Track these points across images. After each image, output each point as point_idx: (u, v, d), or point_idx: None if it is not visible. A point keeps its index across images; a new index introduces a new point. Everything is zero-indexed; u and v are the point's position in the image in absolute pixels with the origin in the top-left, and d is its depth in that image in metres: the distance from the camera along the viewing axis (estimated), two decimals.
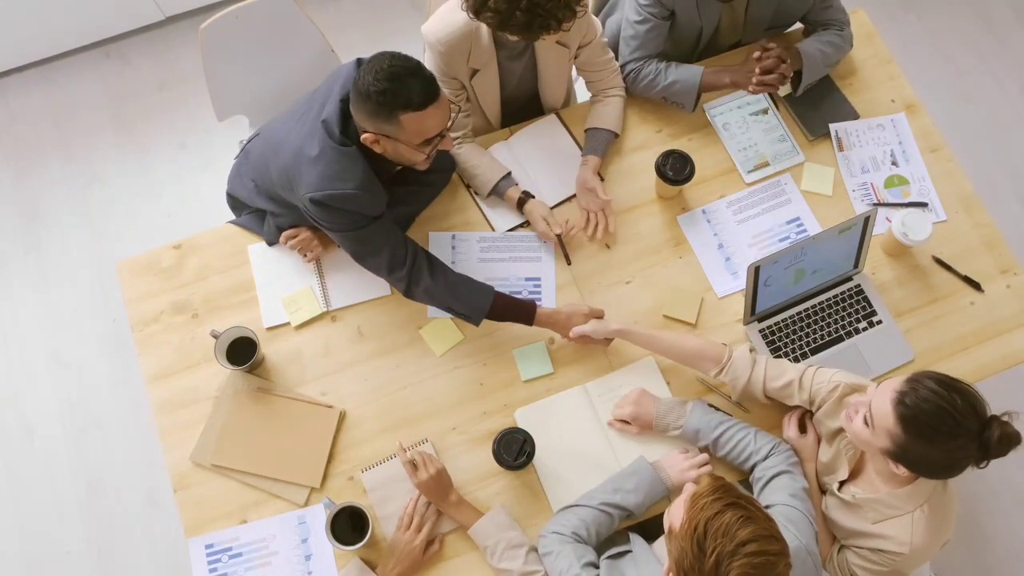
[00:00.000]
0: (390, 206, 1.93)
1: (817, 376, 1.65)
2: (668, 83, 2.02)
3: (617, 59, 2.09)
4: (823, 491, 1.70)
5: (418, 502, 1.73)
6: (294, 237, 1.92)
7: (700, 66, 2.03)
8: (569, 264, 1.97)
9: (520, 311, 1.82)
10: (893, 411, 1.38)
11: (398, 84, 1.50)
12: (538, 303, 1.85)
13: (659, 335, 1.78)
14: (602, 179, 2.04)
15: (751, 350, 1.73)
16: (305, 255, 1.94)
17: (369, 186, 1.66)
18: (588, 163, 2.00)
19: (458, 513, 1.70)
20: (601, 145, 2.01)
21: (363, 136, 1.60)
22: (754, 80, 1.93)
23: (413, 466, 1.70)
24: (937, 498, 1.53)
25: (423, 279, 1.76)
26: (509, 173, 2.00)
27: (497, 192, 1.99)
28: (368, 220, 1.71)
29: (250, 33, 2.11)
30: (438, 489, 1.70)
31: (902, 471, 1.44)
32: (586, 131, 2.04)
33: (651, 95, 2.07)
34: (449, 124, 1.62)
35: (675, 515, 1.29)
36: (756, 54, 1.95)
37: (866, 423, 1.44)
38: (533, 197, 1.97)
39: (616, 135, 2.04)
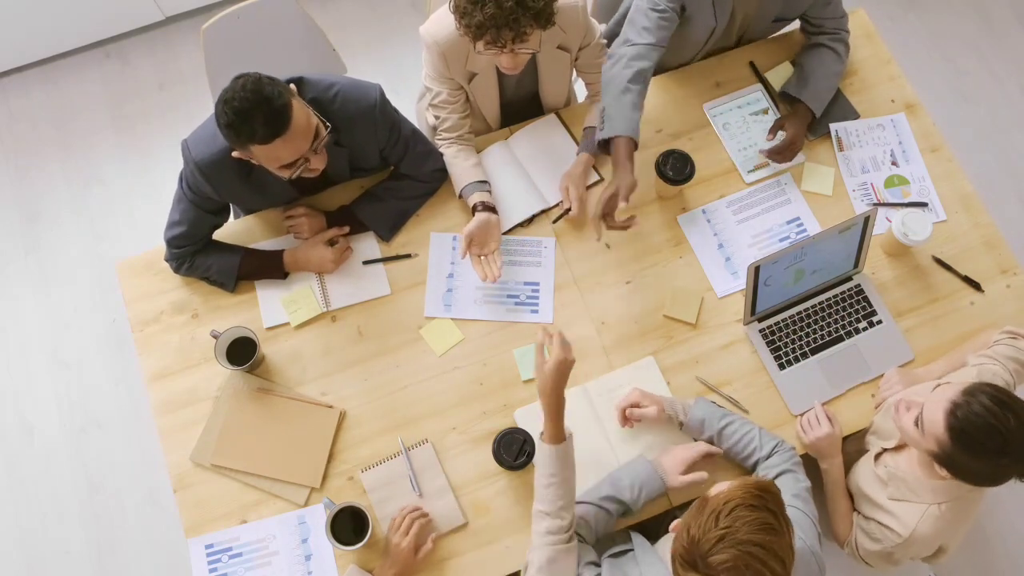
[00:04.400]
0: (381, 199, 1.94)
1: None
2: (610, 103, 1.83)
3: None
4: (864, 452, 1.74)
5: (408, 508, 1.72)
6: (292, 216, 1.95)
7: (631, 132, 1.80)
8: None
9: (271, 265, 1.91)
10: (944, 420, 1.40)
11: (241, 119, 1.51)
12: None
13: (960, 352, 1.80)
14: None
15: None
16: (296, 237, 1.97)
17: (208, 170, 1.72)
18: (579, 160, 1.99)
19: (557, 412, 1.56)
20: (595, 143, 1.99)
21: (232, 152, 1.64)
22: (766, 152, 2.01)
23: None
24: (960, 505, 1.55)
25: (181, 269, 1.91)
26: (483, 181, 1.95)
27: (463, 194, 1.95)
28: (188, 191, 1.79)
29: (251, 33, 2.12)
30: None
31: (943, 473, 1.46)
32: (584, 130, 2.04)
33: (605, 79, 1.88)
34: (314, 147, 1.62)
35: (721, 486, 1.29)
36: (768, 140, 2.02)
37: (916, 424, 1.46)
38: (492, 212, 1.90)
39: None
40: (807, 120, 2.03)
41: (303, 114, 1.58)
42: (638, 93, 1.83)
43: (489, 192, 1.95)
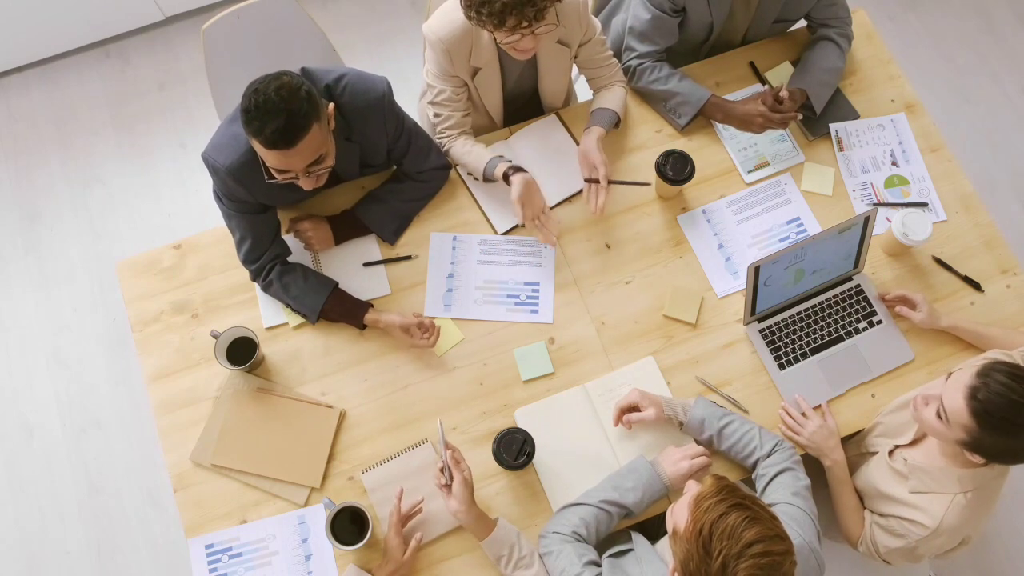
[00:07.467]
0: (383, 201, 1.94)
1: None
2: (673, 91, 2.03)
3: (620, 57, 2.10)
4: (871, 453, 1.72)
5: (400, 499, 1.71)
6: (301, 221, 1.94)
7: (708, 91, 2.04)
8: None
9: (353, 315, 1.87)
10: (966, 406, 1.39)
11: (258, 114, 1.47)
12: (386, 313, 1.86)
13: (988, 333, 1.83)
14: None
15: None
16: (305, 247, 1.96)
17: (240, 173, 1.69)
18: (591, 132, 1.95)
19: (479, 522, 1.65)
20: (605, 120, 1.99)
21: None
22: (759, 122, 1.98)
23: (455, 461, 1.66)
24: (985, 492, 1.54)
25: (272, 286, 1.87)
26: (500, 155, 1.95)
27: (488, 173, 1.95)
28: (229, 202, 1.77)
29: (251, 33, 2.12)
30: (469, 494, 1.65)
31: (978, 459, 1.45)
32: (591, 113, 2.02)
33: (652, 93, 2.07)
34: (309, 170, 1.59)
35: (679, 516, 1.29)
36: (764, 101, 1.97)
37: (939, 416, 1.45)
38: (524, 171, 1.90)
39: (619, 117, 2.03)
40: (804, 97, 2.03)
41: (316, 140, 1.54)
42: (681, 75, 2.07)
43: (511, 160, 1.96)
